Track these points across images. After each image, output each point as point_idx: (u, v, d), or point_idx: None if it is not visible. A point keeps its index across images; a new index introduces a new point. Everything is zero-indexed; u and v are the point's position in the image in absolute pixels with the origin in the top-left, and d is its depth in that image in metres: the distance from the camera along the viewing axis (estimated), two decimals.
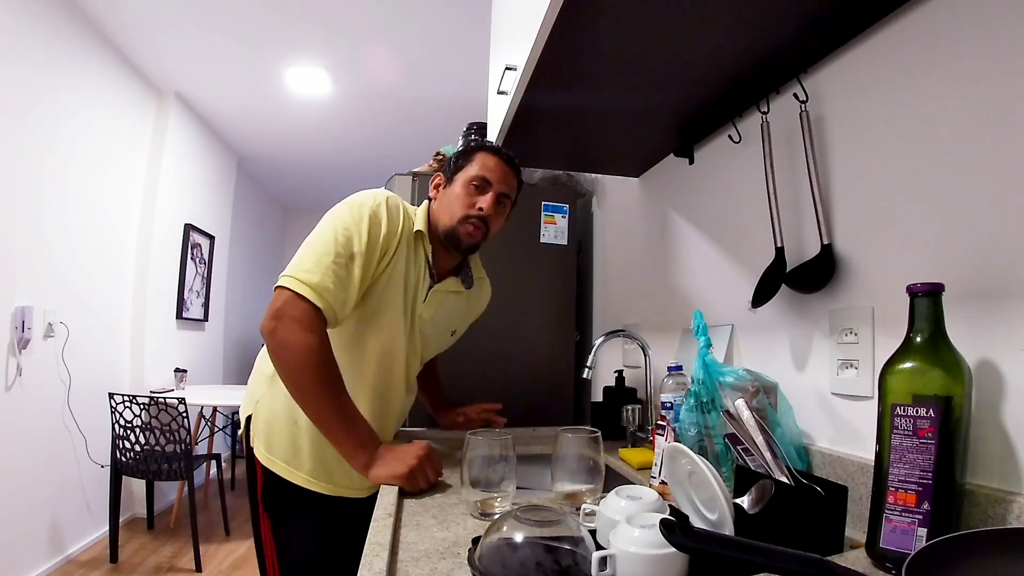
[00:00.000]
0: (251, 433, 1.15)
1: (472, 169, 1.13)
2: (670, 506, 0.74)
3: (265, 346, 1.04)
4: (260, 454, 1.12)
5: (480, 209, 1.11)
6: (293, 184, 5.42)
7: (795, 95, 0.95)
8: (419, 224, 1.14)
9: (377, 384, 1.15)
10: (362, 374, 1.12)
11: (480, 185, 1.13)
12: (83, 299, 2.84)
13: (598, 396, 1.68)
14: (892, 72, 0.82)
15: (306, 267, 0.99)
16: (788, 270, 0.97)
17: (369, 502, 0.88)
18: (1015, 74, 0.65)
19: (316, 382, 0.97)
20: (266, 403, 1.14)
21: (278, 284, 1.00)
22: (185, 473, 2.71)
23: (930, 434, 0.58)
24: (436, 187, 1.20)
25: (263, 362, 1.18)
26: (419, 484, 0.97)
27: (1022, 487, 0.62)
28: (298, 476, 1.10)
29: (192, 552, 2.71)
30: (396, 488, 0.95)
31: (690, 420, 0.95)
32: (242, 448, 1.19)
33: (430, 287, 1.17)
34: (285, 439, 1.11)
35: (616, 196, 1.89)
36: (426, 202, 1.20)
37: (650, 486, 0.97)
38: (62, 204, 2.66)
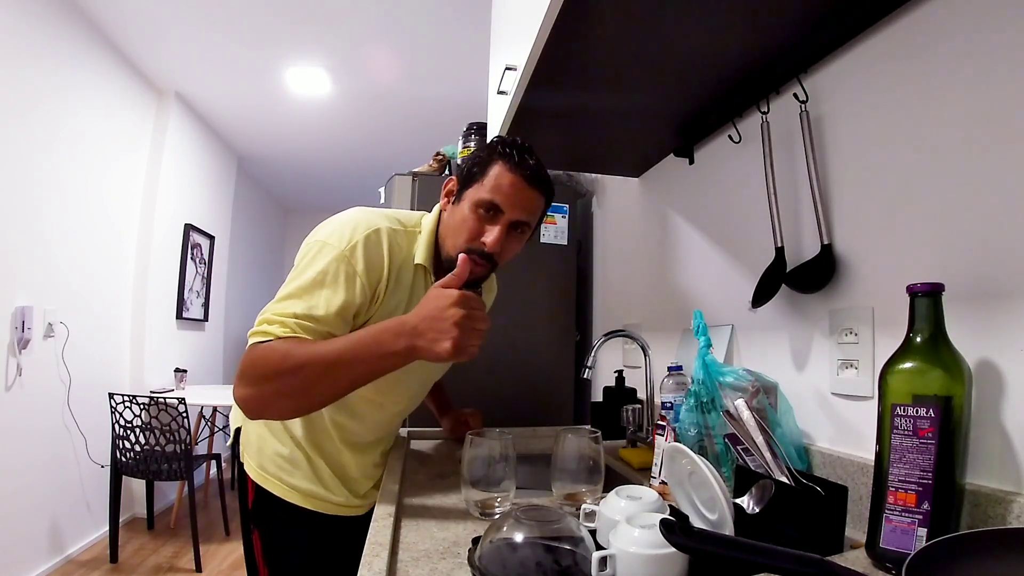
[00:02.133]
0: (240, 446, 1.10)
1: (484, 187, 0.92)
2: (670, 506, 0.74)
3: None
4: (251, 470, 1.06)
5: (483, 244, 0.92)
6: (293, 184, 5.42)
7: (795, 95, 0.95)
8: (420, 256, 0.98)
9: (380, 406, 1.09)
10: (364, 402, 1.05)
11: (490, 211, 0.92)
12: (83, 299, 2.84)
13: (598, 396, 1.68)
14: (892, 72, 0.82)
15: (267, 318, 0.85)
16: (788, 270, 0.97)
17: (365, 520, 0.82)
18: (1015, 74, 0.65)
19: (305, 372, 0.79)
20: None
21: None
22: (185, 473, 2.71)
23: (930, 434, 0.58)
24: (447, 195, 1.01)
25: None
26: (473, 352, 0.79)
27: (1022, 487, 0.62)
28: (293, 494, 1.04)
29: (192, 552, 2.71)
30: (396, 488, 0.95)
31: (690, 420, 0.95)
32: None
33: None
34: (279, 455, 1.05)
35: (616, 196, 1.89)
36: (436, 212, 1.03)
37: (650, 486, 0.97)
38: (62, 204, 2.66)
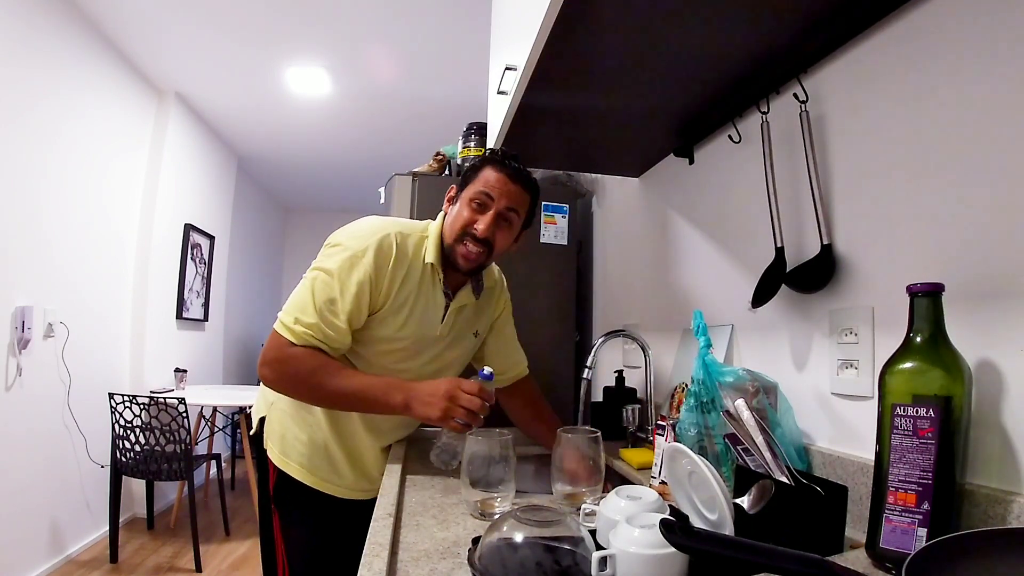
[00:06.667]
0: (264, 434, 1.18)
1: (475, 185, 1.08)
2: (670, 506, 0.74)
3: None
4: (274, 456, 1.16)
5: (476, 229, 1.06)
6: (293, 184, 5.42)
7: (795, 95, 0.95)
8: (431, 255, 1.11)
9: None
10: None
11: (481, 203, 1.07)
12: (83, 299, 2.84)
13: (598, 396, 1.68)
14: (892, 72, 0.82)
15: (293, 312, 1.04)
16: (788, 270, 0.97)
17: (373, 503, 0.89)
18: (1016, 74, 0.65)
19: (325, 390, 1.04)
20: (281, 406, 1.17)
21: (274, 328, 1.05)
22: (185, 473, 2.70)
23: (930, 434, 0.58)
24: (448, 200, 1.16)
25: None
26: (457, 425, 0.98)
27: (1022, 487, 0.62)
28: (311, 478, 1.15)
29: (192, 552, 2.71)
30: (396, 488, 0.95)
31: (690, 420, 0.95)
32: (241, 448, 1.21)
33: (446, 307, 1.15)
34: (300, 442, 1.15)
35: (616, 196, 1.89)
36: (440, 217, 1.16)
37: (650, 486, 0.97)
38: (62, 204, 2.65)
